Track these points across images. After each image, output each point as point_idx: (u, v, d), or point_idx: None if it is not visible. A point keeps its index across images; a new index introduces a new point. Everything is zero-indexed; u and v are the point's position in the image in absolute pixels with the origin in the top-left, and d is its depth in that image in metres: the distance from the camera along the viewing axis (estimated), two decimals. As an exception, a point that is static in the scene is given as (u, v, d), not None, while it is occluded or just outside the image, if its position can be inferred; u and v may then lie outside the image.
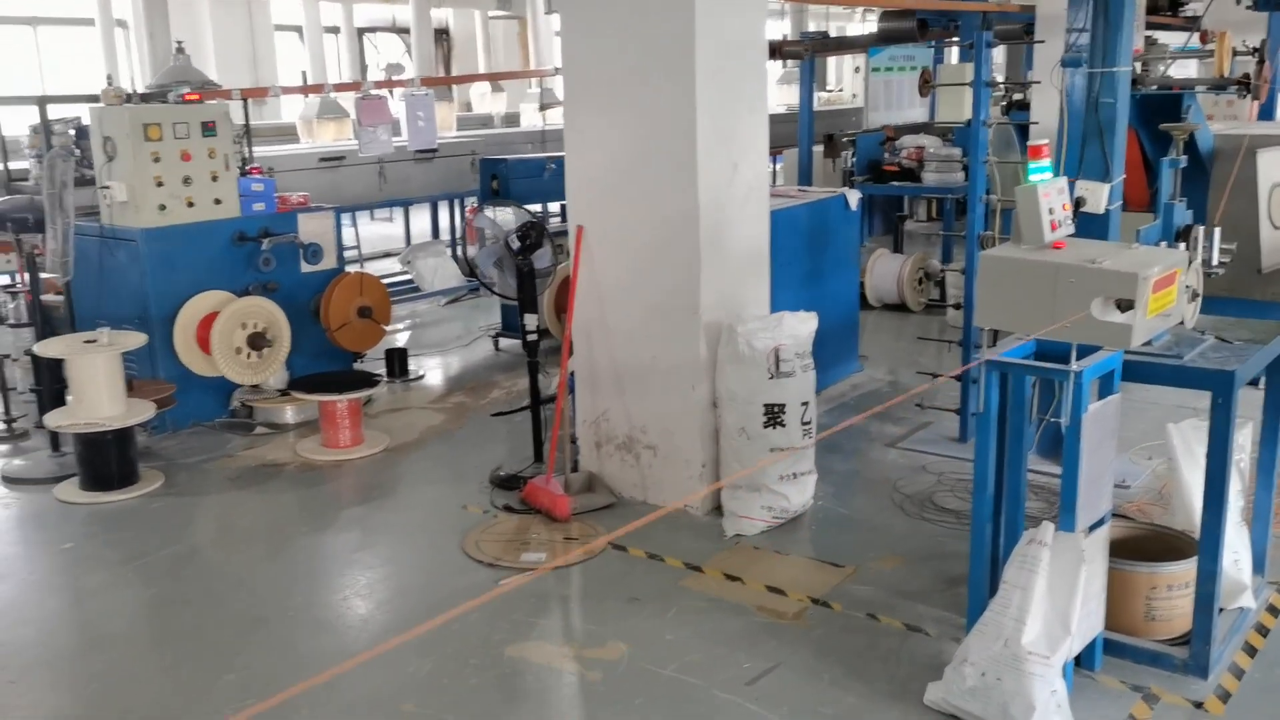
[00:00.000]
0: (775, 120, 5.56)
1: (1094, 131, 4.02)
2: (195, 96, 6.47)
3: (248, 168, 6.79)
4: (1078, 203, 4.04)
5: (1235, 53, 6.84)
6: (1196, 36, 9.32)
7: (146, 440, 5.96)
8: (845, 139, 9.86)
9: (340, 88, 8.52)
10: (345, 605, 4.26)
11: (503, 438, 6.04)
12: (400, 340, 8.25)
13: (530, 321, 5.32)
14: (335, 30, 19.48)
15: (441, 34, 20.69)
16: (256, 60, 15.90)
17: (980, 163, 5.29)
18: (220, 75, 15.18)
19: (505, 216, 5.53)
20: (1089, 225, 4.12)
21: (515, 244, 5.30)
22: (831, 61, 25.88)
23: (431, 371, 7.58)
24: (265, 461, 5.81)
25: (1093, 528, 3.38)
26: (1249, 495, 4.06)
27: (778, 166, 13.53)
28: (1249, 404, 3.76)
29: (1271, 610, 3.98)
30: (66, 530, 4.99)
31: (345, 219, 9.88)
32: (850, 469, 5.56)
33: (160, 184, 6.00)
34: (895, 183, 9.44)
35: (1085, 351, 3.21)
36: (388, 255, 11.57)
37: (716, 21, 4.59)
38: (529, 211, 5.50)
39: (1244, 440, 4.11)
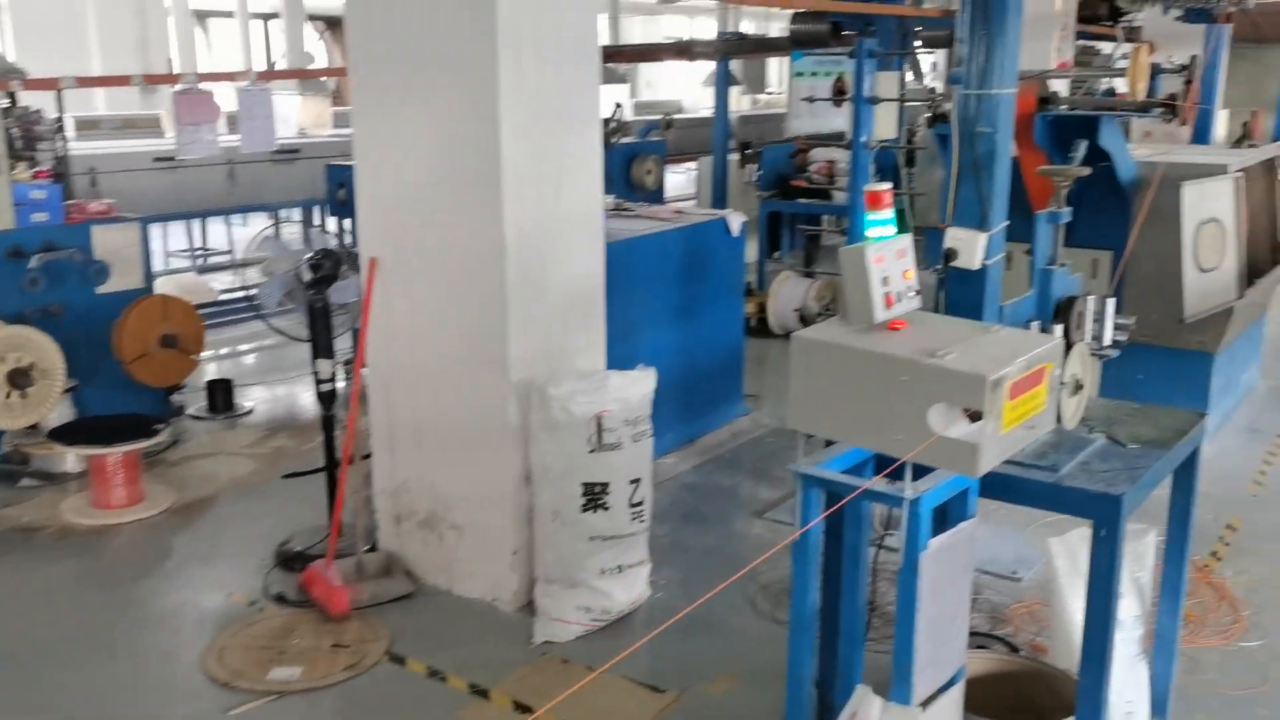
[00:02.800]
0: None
1: (969, 168, 3.23)
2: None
3: (35, 171, 5.84)
4: (947, 255, 3.25)
5: (1159, 70, 6.17)
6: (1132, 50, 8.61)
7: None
8: (750, 151, 9.08)
9: (153, 79, 7.56)
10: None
11: (311, 497, 5.15)
12: (223, 369, 7.32)
13: (324, 369, 4.45)
14: (274, 16, 18.33)
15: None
16: (147, 45, 14.77)
17: (859, 190, 4.49)
18: (104, 62, 14.10)
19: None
20: (962, 285, 3.34)
21: (307, 275, 4.43)
22: (773, 63, 25.17)
23: (264, 405, 6.67)
24: (19, 525, 4.88)
25: (940, 690, 2.60)
26: (1149, 621, 3.31)
27: (690, 176, 12.79)
28: (1155, 501, 3.02)
29: (1173, 766, 3.24)
30: None
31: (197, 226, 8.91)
32: (707, 545, 4.76)
33: (-94, 190, 5.07)
34: (803, 199, 8.65)
35: (929, 468, 2.43)
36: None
37: (531, 16, 3.75)
38: (329, 235, 4.62)
39: (1145, 551, 3.36)
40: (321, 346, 4.47)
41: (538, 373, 3.95)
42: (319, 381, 4.48)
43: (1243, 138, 6.64)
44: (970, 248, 3.25)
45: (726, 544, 4.78)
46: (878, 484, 2.47)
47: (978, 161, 3.23)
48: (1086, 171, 2.93)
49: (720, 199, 10.34)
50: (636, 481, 3.98)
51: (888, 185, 2.60)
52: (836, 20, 8.35)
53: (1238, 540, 4.76)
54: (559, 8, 3.86)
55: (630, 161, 9.65)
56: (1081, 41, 12.13)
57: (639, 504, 4.00)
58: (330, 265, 4.44)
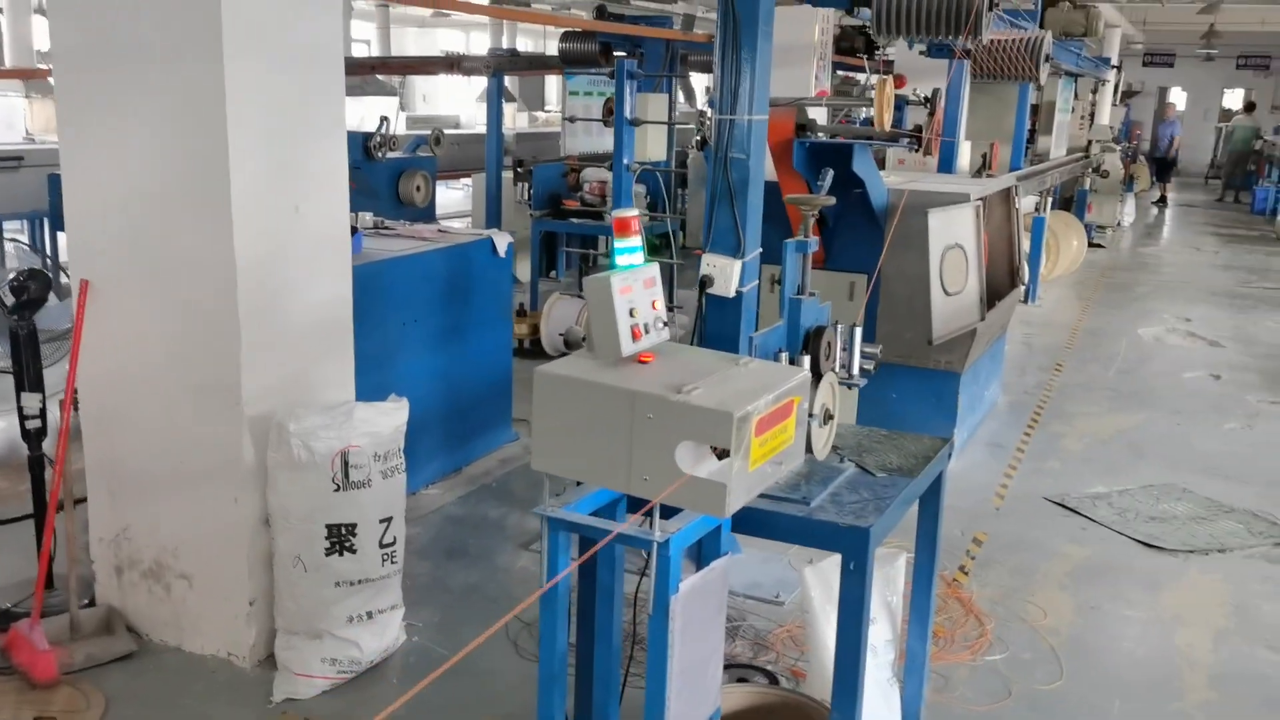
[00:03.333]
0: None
1: (724, 194, 3.18)
2: None
3: None
4: (703, 283, 3.19)
5: (905, 101, 6.45)
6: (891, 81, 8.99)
7: None
8: (521, 169, 8.94)
9: None
10: None
11: (21, 548, 4.58)
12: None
13: (30, 404, 3.95)
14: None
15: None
16: None
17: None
18: None
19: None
20: (719, 313, 3.28)
21: (9, 299, 3.93)
22: (553, 81, 25.18)
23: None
24: None
25: (694, 736, 2.50)
26: (901, 643, 3.36)
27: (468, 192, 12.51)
28: (907, 520, 3.05)
29: (924, 787, 3.28)
30: None
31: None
32: (469, 582, 4.53)
33: None
34: (576, 219, 8.57)
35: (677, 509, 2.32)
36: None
37: (262, 15, 3.44)
38: (38, 253, 4.13)
39: (897, 574, 3.41)
40: (28, 378, 3.97)
41: (277, 407, 3.63)
42: (25, 418, 3.98)
43: (982, 168, 7.03)
44: (725, 275, 3.20)
45: (490, 580, 4.57)
46: (628, 527, 2.35)
47: (732, 187, 3.19)
48: (830, 201, 2.93)
49: (495, 217, 10.13)
50: (388, 520, 3.73)
51: (634, 212, 2.49)
52: (606, 41, 8.33)
53: (983, 553, 4.98)
54: (296, 7, 3.57)
55: (398, 177, 9.30)
56: (841, 72, 12.67)
57: (391, 544, 3.74)
58: (37, 287, 3.96)
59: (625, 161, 4.43)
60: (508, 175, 10.37)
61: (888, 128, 4.43)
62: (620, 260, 2.47)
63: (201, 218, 3.49)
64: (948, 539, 5.10)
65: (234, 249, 3.46)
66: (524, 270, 9.08)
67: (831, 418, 2.76)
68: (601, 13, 8.31)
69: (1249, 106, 24.19)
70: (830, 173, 3.05)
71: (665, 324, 2.43)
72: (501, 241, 5.87)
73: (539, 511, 2.40)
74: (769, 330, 2.75)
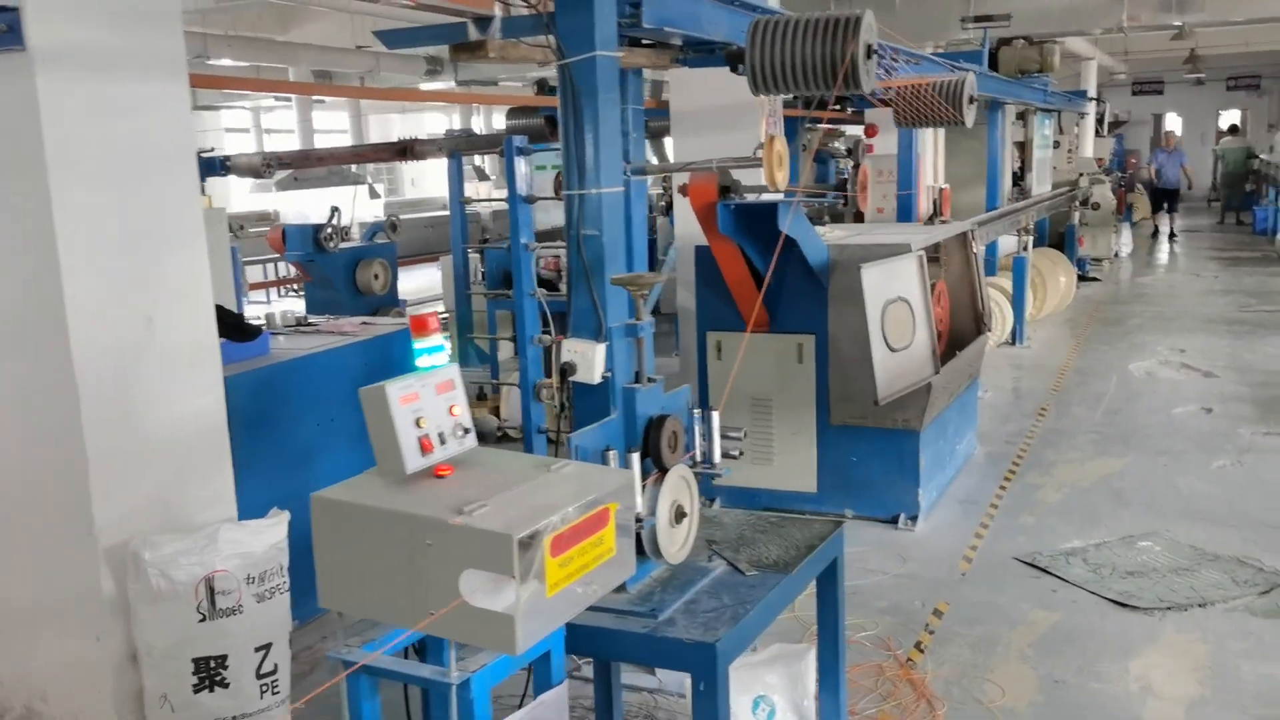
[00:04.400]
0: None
1: (580, 274, 2.94)
2: None
3: None
4: (563, 370, 2.94)
5: (829, 155, 6.25)
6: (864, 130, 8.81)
7: None
8: (479, 249, 8.79)
9: None
10: None
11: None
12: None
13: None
14: None
15: None
16: None
17: (526, 295, 4.19)
18: None
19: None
20: (586, 402, 3.02)
21: None
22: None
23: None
24: None
25: None
26: (815, 751, 3.04)
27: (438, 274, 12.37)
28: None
29: None
30: None
31: None
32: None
33: None
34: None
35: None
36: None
37: (89, 132, 3.25)
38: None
39: (805, 672, 3.10)
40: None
41: (138, 532, 3.38)
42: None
43: (934, 214, 6.80)
44: (588, 361, 2.94)
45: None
46: (426, 668, 2.07)
47: (587, 266, 2.95)
48: (662, 279, 2.69)
49: (466, 299, 9.96)
50: (266, 647, 3.44)
51: (433, 309, 2.24)
52: (549, 114, 8.21)
53: (943, 626, 4.64)
54: (132, 119, 3.39)
55: (355, 266, 9.17)
56: (824, 126, 12.45)
57: (271, 673, 3.45)
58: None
59: (523, 241, 4.21)
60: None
61: (781, 187, 4.19)
62: (421, 361, 2.23)
63: (39, 338, 3.28)
64: (906, 612, 4.79)
65: (74, 368, 3.24)
66: (505, 349, 8.87)
67: (685, 515, 2.48)
68: (542, 87, 8.20)
69: (1233, 129, 24.00)
70: (673, 247, 2.80)
71: (467, 431, 2.18)
72: (428, 329, 5.64)
73: (331, 655, 2.12)
74: (594, 427, 2.48)
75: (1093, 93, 17.61)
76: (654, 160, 14.16)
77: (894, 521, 5.86)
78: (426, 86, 15.35)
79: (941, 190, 6.98)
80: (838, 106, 11.81)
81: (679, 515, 2.47)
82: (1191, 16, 11.34)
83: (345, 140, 20.81)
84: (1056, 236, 14.36)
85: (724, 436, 2.67)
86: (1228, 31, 15.68)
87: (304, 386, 4.97)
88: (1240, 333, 10.89)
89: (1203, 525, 5.65)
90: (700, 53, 4.12)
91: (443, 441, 2.13)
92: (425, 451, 2.09)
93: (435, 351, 2.22)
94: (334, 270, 9.04)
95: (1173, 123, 29.57)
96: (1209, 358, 9.76)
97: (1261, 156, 21.94)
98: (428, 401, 2.13)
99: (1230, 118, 27.65)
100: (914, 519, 5.84)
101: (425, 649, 2.28)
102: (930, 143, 10.14)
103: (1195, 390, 8.65)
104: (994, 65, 9.86)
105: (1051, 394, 8.74)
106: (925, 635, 4.55)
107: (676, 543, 2.47)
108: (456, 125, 23.03)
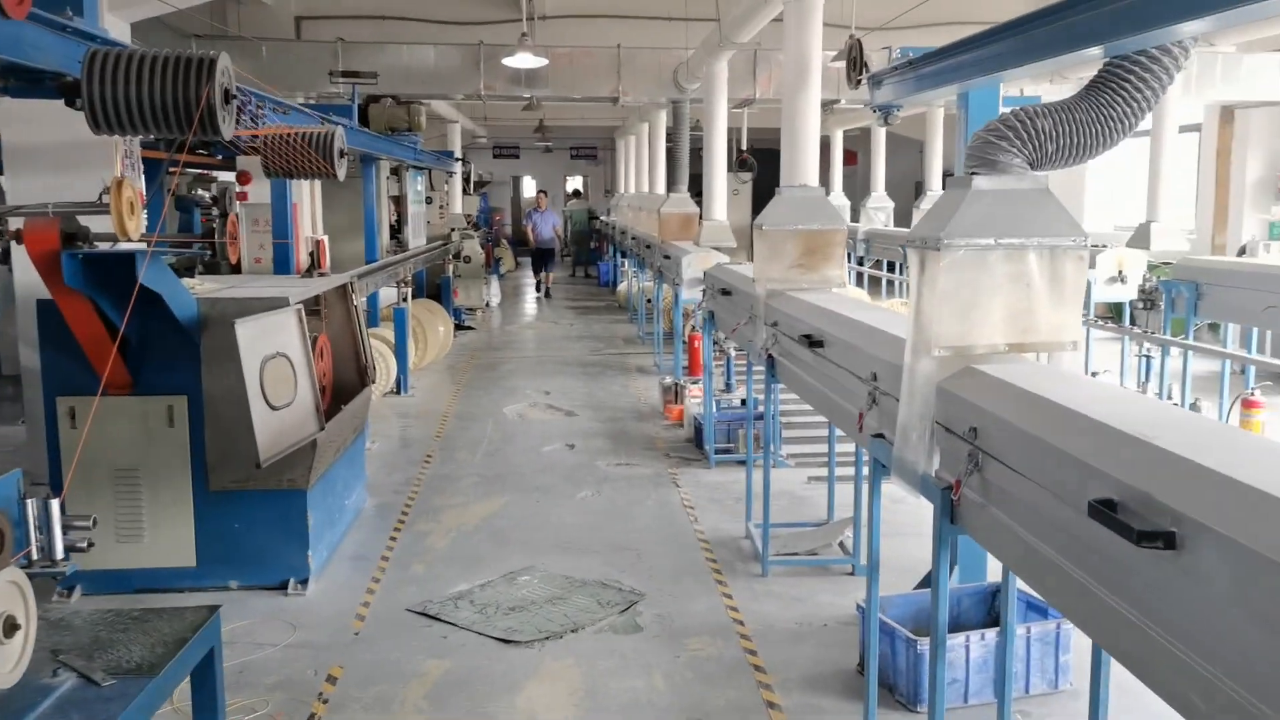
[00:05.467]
0: None
1: None
2: None
3: None
4: None
5: (197, 203, 5.89)
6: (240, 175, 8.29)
7: None
8: None
9: None
10: None
11: None
12: None
13: None
14: None
15: None
16: None
17: None
18: None
19: None
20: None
21: None
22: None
23: None
24: None
25: None
26: None
27: None
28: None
29: None
30: None
31: None
32: None
33: None
34: None
35: None
36: None
37: None
38: None
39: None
40: None
41: None
42: None
43: (311, 267, 6.68)
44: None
45: None
46: None
47: None
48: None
49: None
50: None
51: None
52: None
53: (337, 693, 4.49)
54: None
55: None
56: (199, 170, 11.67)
57: None
58: None
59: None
60: None
61: (133, 236, 3.81)
62: None
63: None
64: (299, 684, 4.56)
65: None
66: None
67: (17, 628, 2.06)
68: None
69: (576, 193, 27.36)
70: (160, 259, 2.36)
71: None
72: None
73: None
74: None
75: (459, 153, 18.79)
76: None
77: (284, 588, 5.59)
78: None
79: (318, 242, 6.89)
80: (204, 151, 11.22)
81: (10, 628, 2.05)
82: (538, 90, 12.58)
83: None
84: (434, 287, 15.03)
85: (69, 527, 2.28)
86: (568, 107, 17.67)
87: None
88: (593, 374, 12.25)
89: (572, 554, 6.17)
90: (25, 81, 3.58)
91: None
92: None
93: None
94: None
95: (529, 186, 32.71)
96: (570, 398, 10.82)
97: (601, 218, 25.16)
98: None
99: (575, 183, 31.29)
100: (304, 582, 5.62)
101: None
102: (308, 193, 10.02)
103: (560, 429, 9.50)
104: (365, 121, 10.03)
105: (435, 440, 9.04)
106: (319, 705, 4.37)
107: (8, 662, 2.05)
108: None
